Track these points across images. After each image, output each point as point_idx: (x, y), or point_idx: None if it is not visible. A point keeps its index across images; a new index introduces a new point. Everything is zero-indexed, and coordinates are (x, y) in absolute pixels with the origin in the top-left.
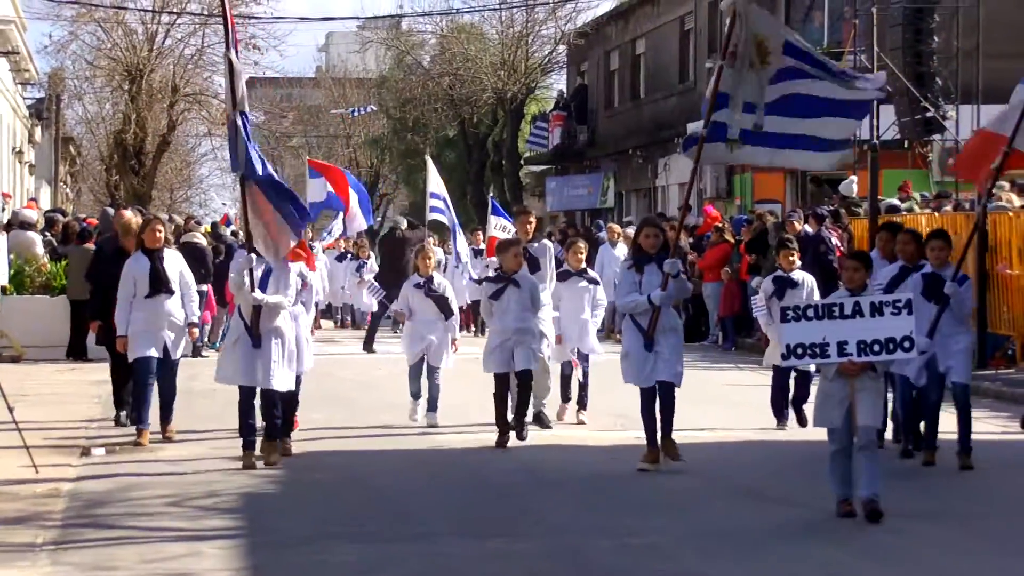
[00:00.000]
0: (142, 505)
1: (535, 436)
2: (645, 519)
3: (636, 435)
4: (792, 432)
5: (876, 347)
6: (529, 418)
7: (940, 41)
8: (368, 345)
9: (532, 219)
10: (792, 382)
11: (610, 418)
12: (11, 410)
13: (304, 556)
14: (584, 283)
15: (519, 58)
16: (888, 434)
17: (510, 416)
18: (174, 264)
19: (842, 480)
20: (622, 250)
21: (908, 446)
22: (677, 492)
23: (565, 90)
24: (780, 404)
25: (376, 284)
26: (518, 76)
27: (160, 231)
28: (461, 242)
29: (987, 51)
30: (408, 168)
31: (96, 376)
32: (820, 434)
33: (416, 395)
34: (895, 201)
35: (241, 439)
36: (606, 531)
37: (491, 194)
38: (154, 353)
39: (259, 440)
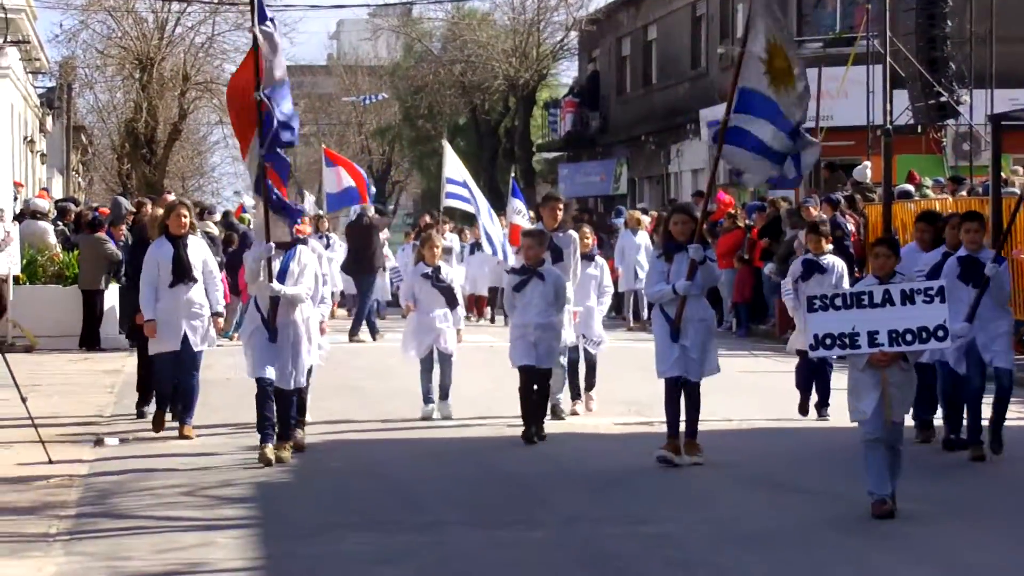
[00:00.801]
0: (155, 495)
1: (548, 426)
2: (657, 508)
3: (648, 421)
4: (806, 420)
5: (908, 337)
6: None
7: (953, 26)
8: (353, 334)
9: (561, 206)
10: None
11: (623, 406)
12: (24, 400)
13: (317, 546)
14: (590, 268)
15: (531, 45)
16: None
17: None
18: (198, 251)
19: (879, 475)
20: (643, 237)
21: (951, 436)
22: (690, 481)
23: (577, 76)
24: (807, 391)
25: (398, 270)
26: (530, 63)
27: (185, 216)
28: (494, 227)
29: (1000, 35)
30: (420, 155)
31: (109, 365)
32: (837, 421)
33: (429, 397)
34: (908, 187)
35: (260, 434)
36: (617, 520)
37: (512, 174)
38: (172, 347)
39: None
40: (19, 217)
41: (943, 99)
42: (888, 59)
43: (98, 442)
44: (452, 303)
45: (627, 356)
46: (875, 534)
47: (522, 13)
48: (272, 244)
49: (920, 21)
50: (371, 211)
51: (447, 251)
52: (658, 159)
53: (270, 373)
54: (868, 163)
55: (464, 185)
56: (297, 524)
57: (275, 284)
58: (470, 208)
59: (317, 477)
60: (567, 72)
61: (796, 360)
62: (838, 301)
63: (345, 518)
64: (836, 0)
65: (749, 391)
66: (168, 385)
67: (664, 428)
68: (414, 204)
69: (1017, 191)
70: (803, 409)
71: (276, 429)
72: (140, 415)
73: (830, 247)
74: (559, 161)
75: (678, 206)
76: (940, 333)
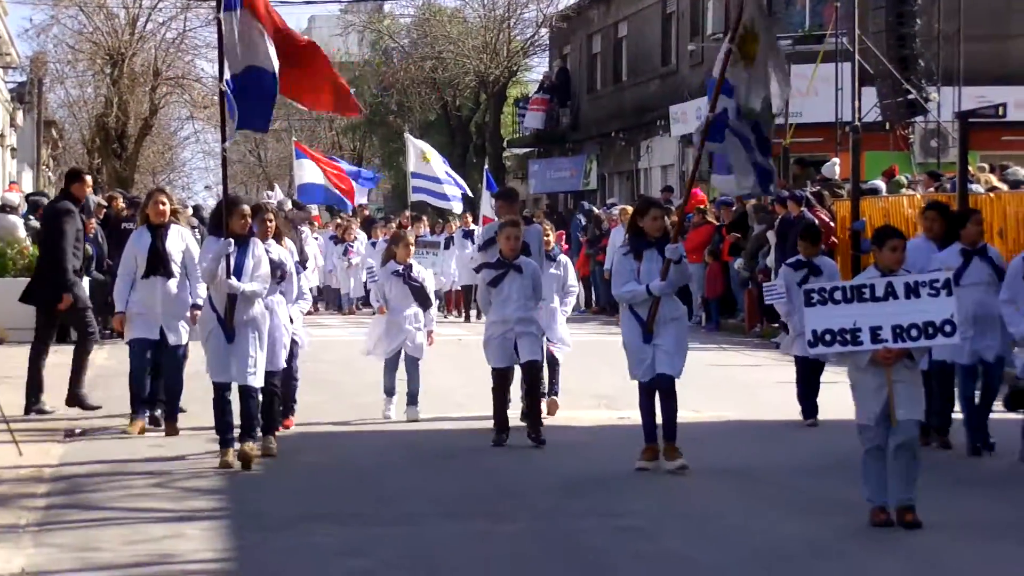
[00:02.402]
0: (126, 487)
1: (518, 417)
2: (629, 500)
3: (619, 415)
4: (772, 411)
5: (914, 332)
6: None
7: (922, 24)
8: None
9: (507, 203)
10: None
11: (593, 399)
12: None
13: (287, 538)
14: (552, 268)
15: (501, 41)
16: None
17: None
18: (178, 242)
19: (877, 483)
20: None
21: (976, 443)
22: (660, 473)
23: (547, 72)
24: (808, 397)
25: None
26: (500, 59)
27: (164, 204)
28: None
29: (968, 34)
30: (390, 152)
31: None
32: (798, 414)
33: (391, 391)
34: (878, 183)
35: (218, 436)
36: (590, 512)
37: (487, 167)
38: (148, 335)
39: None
40: None
41: (911, 96)
42: (857, 57)
43: (68, 434)
44: (424, 303)
45: (596, 350)
46: (842, 520)
47: (493, 9)
48: (231, 240)
49: (889, 19)
50: (288, 205)
51: (432, 245)
52: (628, 155)
53: (228, 376)
54: (837, 160)
55: (430, 178)
56: (267, 516)
57: (233, 281)
58: (438, 202)
59: (288, 470)
60: (538, 68)
61: (774, 355)
62: (837, 295)
63: (316, 510)
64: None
65: (719, 384)
66: (141, 382)
67: (638, 426)
68: (385, 200)
69: (982, 188)
70: (808, 410)
71: (238, 431)
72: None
73: (823, 247)
74: (529, 157)
75: (651, 200)
76: (947, 328)
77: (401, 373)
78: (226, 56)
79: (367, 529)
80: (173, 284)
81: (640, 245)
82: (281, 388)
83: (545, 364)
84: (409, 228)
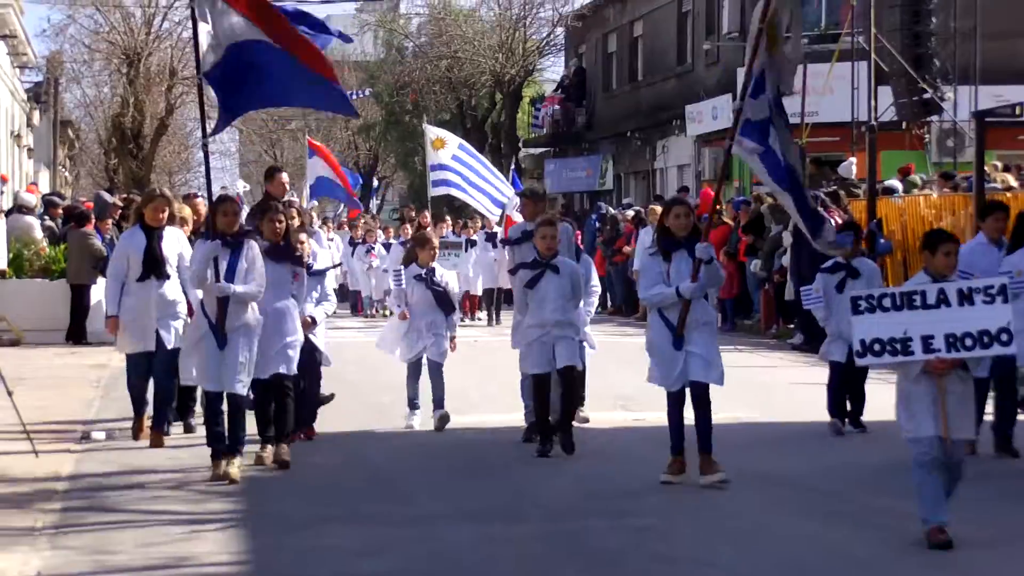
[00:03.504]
0: (141, 489)
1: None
2: (643, 501)
3: (635, 417)
4: (788, 412)
5: (968, 341)
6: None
7: (938, 22)
8: None
9: (533, 201)
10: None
11: (609, 400)
12: (10, 394)
13: (303, 540)
14: None
15: (517, 40)
16: None
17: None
18: (174, 244)
19: (935, 501)
20: None
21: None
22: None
23: (563, 72)
24: (838, 405)
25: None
26: (516, 59)
27: (164, 212)
28: (496, 190)
29: (984, 32)
30: (406, 151)
31: (95, 360)
32: (817, 415)
33: (414, 403)
34: (895, 182)
35: (209, 448)
36: (604, 513)
37: (513, 167)
38: (143, 348)
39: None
40: (9, 211)
41: (927, 96)
42: (873, 55)
43: (84, 436)
44: (447, 308)
45: (613, 351)
46: (856, 520)
47: (508, 9)
48: (218, 242)
49: (905, 18)
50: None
51: (455, 245)
52: (644, 155)
53: (216, 385)
54: (854, 159)
55: (447, 168)
56: (283, 518)
57: (222, 283)
58: (459, 193)
59: (304, 470)
60: (553, 68)
61: (790, 356)
62: (887, 302)
63: (331, 511)
64: None
65: (734, 385)
66: (141, 389)
67: (655, 428)
68: (400, 200)
69: (998, 187)
70: (837, 418)
71: (234, 440)
72: (188, 428)
73: (863, 248)
74: (545, 157)
75: (676, 199)
76: (1004, 337)
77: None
78: (206, 44)
79: (383, 530)
80: (168, 287)
81: (668, 245)
82: (305, 401)
83: None
84: (430, 228)
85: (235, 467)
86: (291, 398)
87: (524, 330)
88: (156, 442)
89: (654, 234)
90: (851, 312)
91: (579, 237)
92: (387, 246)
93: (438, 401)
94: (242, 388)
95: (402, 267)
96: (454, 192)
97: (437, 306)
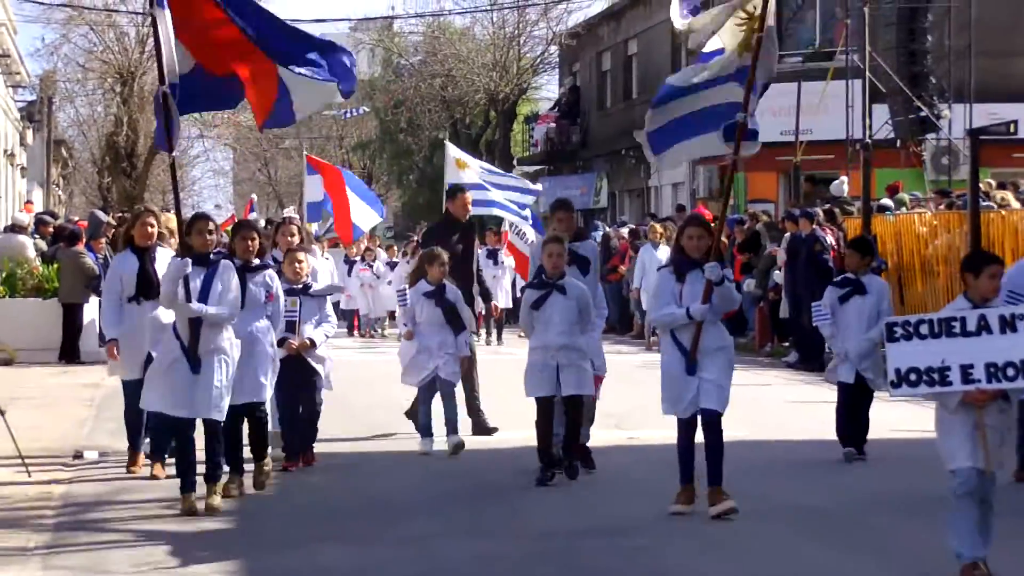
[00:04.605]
0: (134, 508)
1: (527, 437)
2: (636, 520)
3: (628, 435)
4: (783, 430)
5: (1010, 371)
6: None
7: (933, 40)
8: None
9: (569, 214)
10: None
11: (602, 419)
12: (2, 413)
13: (296, 559)
14: None
15: (511, 59)
16: None
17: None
18: (165, 265)
19: (971, 536)
20: (666, 252)
21: None
22: (668, 493)
23: (558, 90)
24: (847, 429)
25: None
26: (510, 77)
27: (152, 226)
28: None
29: (979, 50)
30: (400, 169)
31: (88, 379)
32: (817, 434)
33: (427, 429)
34: (887, 201)
35: (180, 480)
36: (597, 532)
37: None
38: (137, 375)
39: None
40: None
41: (923, 114)
42: (867, 74)
43: (77, 455)
44: (457, 327)
45: (608, 369)
46: (856, 539)
47: (502, 27)
48: (188, 260)
49: (900, 36)
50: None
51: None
52: (638, 173)
53: (189, 412)
54: (845, 178)
55: (471, 186)
56: (275, 537)
57: (194, 304)
58: (486, 210)
59: (296, 489)
60: (548, 86)
61: (785, 374)
62: (923, 328)
63: (323, 531)
64: (816, 15)
65: (729, 403)
66: (137, 421)
67: (648, 447)
68: (395, 218)
69: (992, 205)
70: (847, 443)
71: (208, 470)
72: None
73: (873, 263)
74: (539, 175)
75: (692, 217)
76: None
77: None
78: (169, 54)
79: (375, 550)
80: (162, 309)
81: (682, 265)
82: (305, 425)
83: None
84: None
85: (217, 497)
86: (264, 425)
87: (529, 351)
88: (157, 473)
89: (669, 253)
90: (886, 339)
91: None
92: (392, 265)
93: (451, 425)
94: (219, 415)
95: (406, 286)
96: (496, 211)
97: (447, 324)
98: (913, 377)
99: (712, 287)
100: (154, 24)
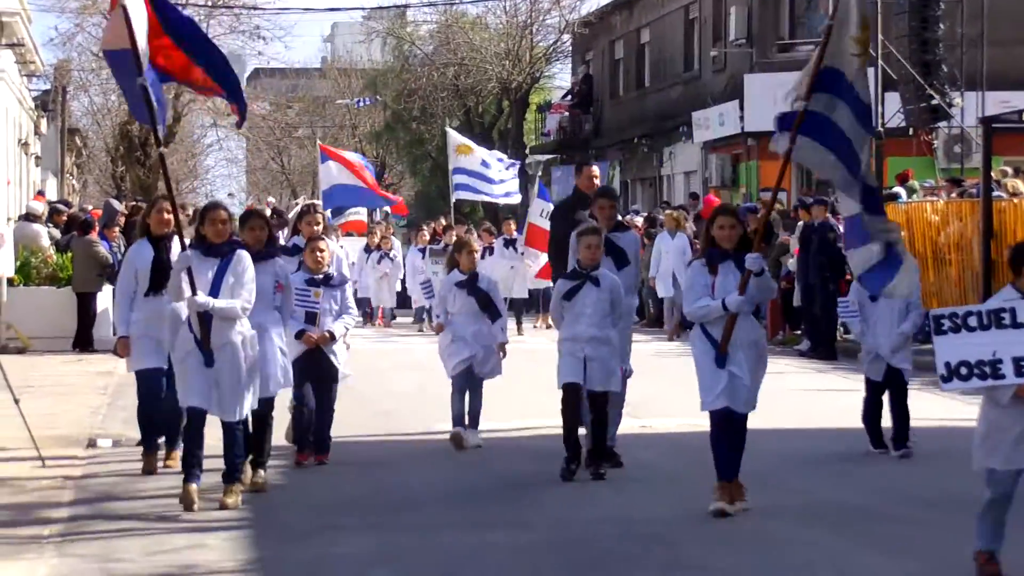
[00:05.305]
0: (148, 497)
1: (544, 428)
2: (650, 509)
3: (642, 424)
4: (794, 419)
5: None
6: None
7: (945, 28)
8: None
9: (615, 203)
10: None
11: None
12: (17, 401)
13: (309, 548)
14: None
15: (523, 48)
16: None
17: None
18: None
19: (994, 530)
20: (682, 240)
21: None
22: (681, 481)
23: (571, 79)
24: (874, 424)
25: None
26: (523, 66)
27: (168, 213)
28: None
29: (991, 38)
30: (413, 158)
31: (102, 367)
32: (832, 423)
33: (461, 419)
34: (899, 189)
35: (183, 471)
36: (609, 520)
37: (538, 174)
38: (154, 364)
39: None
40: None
41: (935, 102)
42: (880, 62)
43: (91, 444)
44: (493, 314)
45: None
46: (866, 532)
47: (515, 16)
48: (189, 253)
49: (912, 24)
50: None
51: (441, 254)
52: (651, 161)
53: (202, 403)
54: None
55: (473, 173)
56: (290, 526)
57: (200, 297)
58: (485, 198)
59: (309, 479)
60: (561, 75)
61: (796, 363)
62: (972, 320)
63: (338, 520)
64: (828, 3)
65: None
66: (152, 414)
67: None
68: (409, 207)
69: (1002, 195)
70: (876, 443)
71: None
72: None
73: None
74: (552, 164)
75: (722, 207)
76: None
77: None
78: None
79: (389, 539)
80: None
81: (714, 257)
82: (318, 423)
83: None
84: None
85: (232, 497)
86: (269, 424)
87: (559, 341)
88: (169, 465)
89: (701, 244)
90: (933, 332)
91: None
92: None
93: (473, 418)
94: (233, 416)
95: (430, 277)
96: (475, 197)
97: (482, 313)
98: (964, 371)
99: (750, 277)
100: (124, 12)
